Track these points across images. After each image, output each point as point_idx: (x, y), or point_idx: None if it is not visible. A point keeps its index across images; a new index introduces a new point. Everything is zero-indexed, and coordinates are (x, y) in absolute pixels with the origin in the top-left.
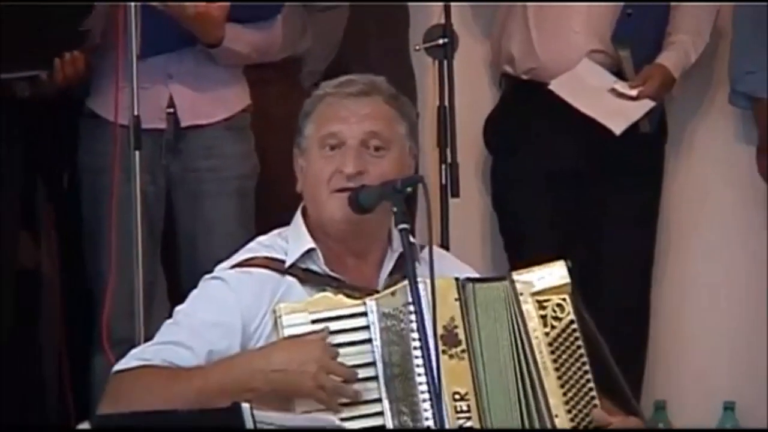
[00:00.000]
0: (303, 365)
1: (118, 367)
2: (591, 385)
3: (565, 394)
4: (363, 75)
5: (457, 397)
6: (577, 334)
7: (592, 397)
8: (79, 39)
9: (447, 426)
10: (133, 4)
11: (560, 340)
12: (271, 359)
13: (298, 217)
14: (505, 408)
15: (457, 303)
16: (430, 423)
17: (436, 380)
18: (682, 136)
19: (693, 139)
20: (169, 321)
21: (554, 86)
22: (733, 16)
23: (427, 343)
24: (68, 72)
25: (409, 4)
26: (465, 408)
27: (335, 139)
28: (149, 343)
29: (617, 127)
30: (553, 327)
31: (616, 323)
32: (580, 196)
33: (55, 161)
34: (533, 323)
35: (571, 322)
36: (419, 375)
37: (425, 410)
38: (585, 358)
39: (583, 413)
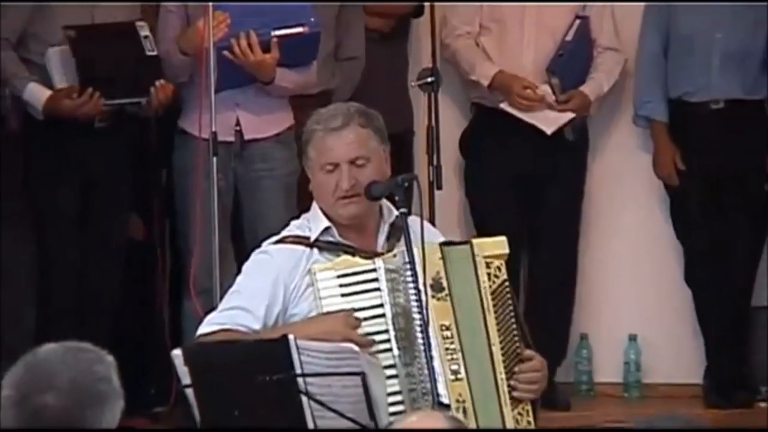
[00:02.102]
0: (330, 335)
1: (201, 331)
2: (514, 327)
3: (498, 330)
4: (341, 106)
5: (443, 327)
6: (509, 289)
7: (515, 335)
8: (158, 69)
9: (436, 349)
10: (212, 53)
11: (498, 291)
12: (310, 330)
13: (315, 206)
14: (475, 334)
15: (441, 261)
16: (425, 347)
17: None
18: (599, 146)
19: (607, 148)
20: (231, 290)
21: (504, 105)
22: (636, 61)
23: (418, 290)
24: (161, 97)
25: (409, 53)
26: (449, 335)
27: (331, 165)
28: (219, 310)
29: (548, 129)
30: (493, 282)
31: (554, 278)
32: (528, 189)
33: (157, 163)
34: (483, 276)
35: (505, 280)
36: (415, 313)
37: (420, 339)
38: (512, 307)
39: (509, 345)
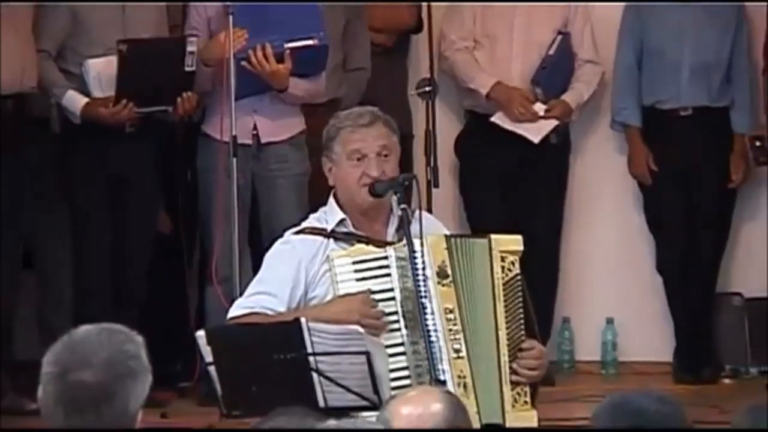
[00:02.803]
0: (350, 315)
1: (231, 314)
2: (522, 317)
3: (506, 317)
4: (365, 108)
5: (447, 310)
6: (519, 283)
7: (520, 324)
8: (189, 84)
9: (440, 330)
10: (232, 64)
11: (509, 283)
12: (331, 310)
13: (331, 200)
14: (481, 318)
15: (446, 251)
16: (429, 327)
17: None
18: (580, 148)
19: (587, 150)
20: (257, 277)
21: (495, 119)
22: (613, 72)
23: (425, 276)
24: (186, 107)
25: (409, 65)
26: (452, 318)
27: (359, 154)
28: (246, 295)
29: (535, 138)
30: (506, 274)
31: (539, 268)
32: (516, 188)
33: (183, 164)
34: (497, 268)
35: (517, 275)
36: (421, 297)
37: (426, 318)
38: (520, 300)
39: (515, 332)
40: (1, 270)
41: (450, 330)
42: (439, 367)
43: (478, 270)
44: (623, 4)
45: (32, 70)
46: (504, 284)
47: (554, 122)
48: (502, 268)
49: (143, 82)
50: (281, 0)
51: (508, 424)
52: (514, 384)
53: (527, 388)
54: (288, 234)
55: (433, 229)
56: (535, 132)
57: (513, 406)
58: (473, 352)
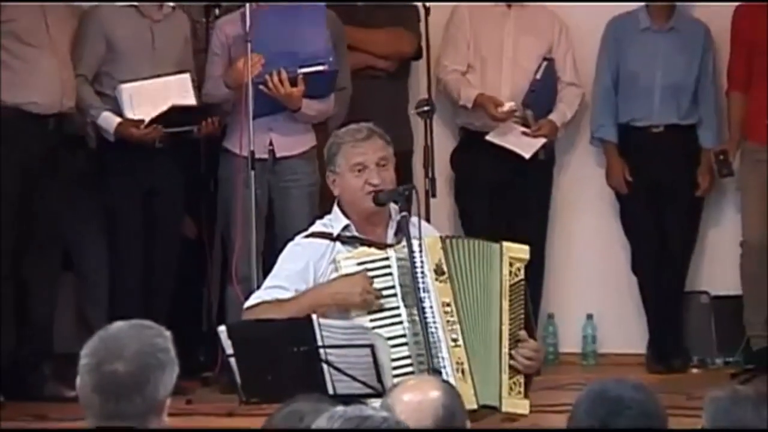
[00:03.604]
0: (352, 287)
1: (247, 304)
2: (522, 316)
3: (509, 315)
4: (360, 124)
5: (444, 304)
6: (524, 288)
7: (521, 323)
8: (214, 111)
9: (438, 321)
10: (250, 87)
11: (514, 286)
12: (333, 287)
13: (335, 208)
14: (478, 308)
15: (442, 250)
16: (429, 319)
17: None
18: (563, 162)
19: (570, 163)
20: (271, 273)
21: (490, 137)
22: (592, 94)
23: (424, 273)
24: (209, 128)
25: (409, 88)
26: (449, 310)
27: (361, 165)
28: (262, 288)
29: (526, 154)
30: (513, 277)
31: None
32: (506, 197)
33: (206, 176)
34: (505, 270)
35: (522, 280)
36: (420, 292)
37: (424, 312)
38: (524, 302)
39: (515, 329)
40: (44, 273)
41: (448, 321)
42: (439, 354)
43: (481, 268)
44: (601, 32)
45: (71, 91)
46: (510, 286)
47: (543, 140)
48: (510, 272)
49: (177, 118)
50: (294, 27)
51: (503, 410)
52: (512, 371)
53: (522, 379)
54: (298, 237)
55: (426, 233)
56: (526, 148)
57: (509, 393)
58: (470, 340)
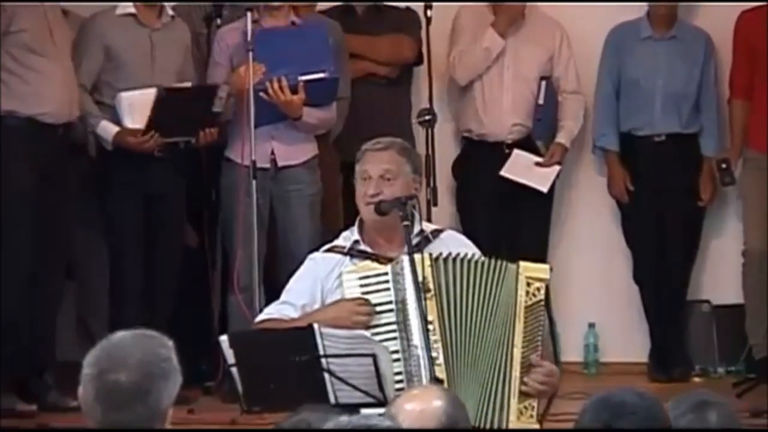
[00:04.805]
0: (339, 313)
1: (258, 318)
2: (539, 340)
3: (523, 338)
4: (386, 138)
5: (427, 322)
6: (542, 309)
7: (537, 346)
8: (213, 121)
9: (420, 339)
10: (252, 96)
11: (532, 307)
12: (328, 313)
13: (358, 219)
14: (467, 327)
15: (430, 268)
16: (413, 336)
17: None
18: (565, 170)
19: (571, 172)
20: (286, 287)
21: (504, 172)
22: (594, 102)
23: (405, 288)
24: (207, 138)
25: (411, 95)
26: (432, 329)
27: (366, 174)
28: (275, 303)
29: (544, 188)
30: (530, 298)
31: None
32: (507, 206)
33: (208, 185)
34: (521, 291)
35: (541, 301)
36: (407, 306)
37: (410, 328)
38: (541, 324)
39: (529, 352)
40: (46, 282)
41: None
42: (421, 372)
43: (482, 288)
44: (603, 41)
45: (76, 100)
46: (526, 307)
47: (557, 168)
48: (527, 292)
49: (172, 119)
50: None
51: None
52: (523, 396)
53: (535, 403)
54: (321, 251)
55: (457, 247)
56: (543, 182)
57: (518, 418)
58: (452, 359)
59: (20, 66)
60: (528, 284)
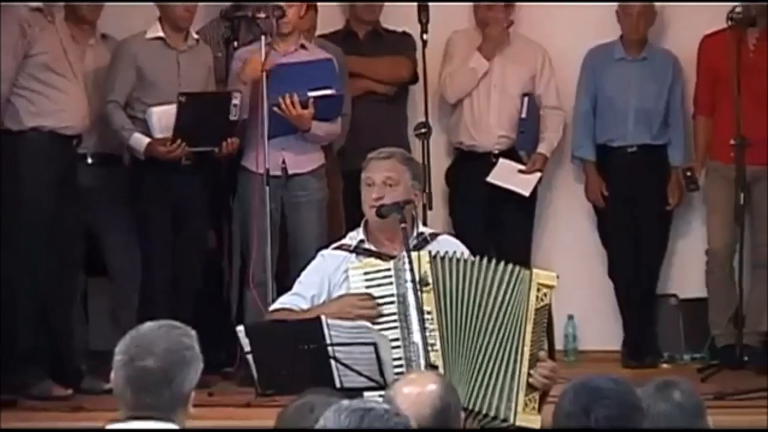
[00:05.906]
0: (346, 307)
1: (272, 308)
2: (543, 338)
3: (531, 337)
4: (389, 148)
5: (426, 312)
6: (548, 313)
7: (542, 345)
8: (232, 129)
9: (418, 328)
10: (265, 111)
11: (539, 311)
12: (333, 307)
13: (363, 222)
14: (462, 318)
15: (429, 264)
16: (412, 325)
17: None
18: (546, 178)
19: (553, 180)
20: (298, 279)
21: (490, 179)
22: (572, 116)
23: (407, 281)
24: (229, 149)
25: (408, 110)
26: (430, 318)
27: (370, 180)
28: (288, 294)
29: (526, 192)
30: (539, 302)
31: None
32: (494, 210)
33: (226, 191)
34: (533, 295)
35: (548, 305)
36: (407, 299)
37: (410, 318)
38: (546, 326)
39: (535, 350)
40: (72, 277)
41: (426, 328)
42: (419, 359)
43: (487, 286)
44: (580, 62)
45: (88, 113)
46: (536, 310)
47: (538, 175)
48: (537, 297)
49: (196, 126)
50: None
51: (517, 423)
52: (530, 389)
53: (537, 396)
54: (330, 248)
55: (451, 249)
56: (525, 186)
57: (523, 409)
58: (448, 346)
59: (43, 85)
60: (538, 290)
